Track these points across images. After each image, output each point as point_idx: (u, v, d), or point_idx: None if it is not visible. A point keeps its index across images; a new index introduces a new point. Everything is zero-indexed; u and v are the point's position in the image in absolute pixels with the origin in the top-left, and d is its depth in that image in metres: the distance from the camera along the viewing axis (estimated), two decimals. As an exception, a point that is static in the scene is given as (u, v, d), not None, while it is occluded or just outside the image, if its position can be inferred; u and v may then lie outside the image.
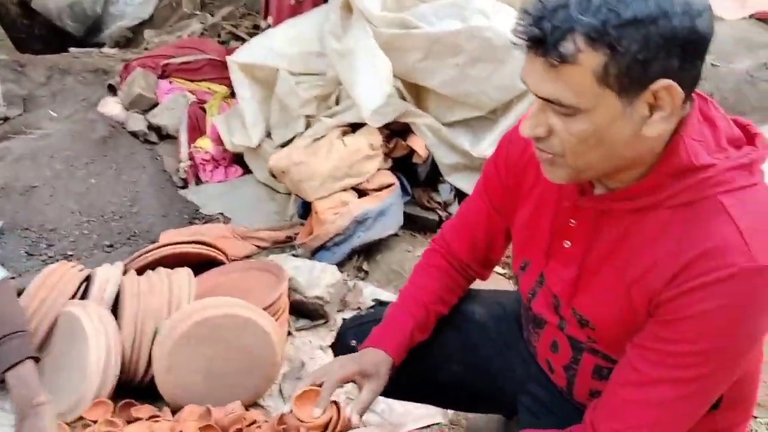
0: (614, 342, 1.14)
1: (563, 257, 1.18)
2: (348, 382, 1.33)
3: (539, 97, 0.97)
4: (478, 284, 1.56)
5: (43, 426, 1.50)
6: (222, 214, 3.05)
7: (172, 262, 2.22)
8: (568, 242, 1.17)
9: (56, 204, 2.90)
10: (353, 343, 1.52)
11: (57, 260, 2.75)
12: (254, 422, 1.67)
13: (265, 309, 2.02)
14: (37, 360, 1.61)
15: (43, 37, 5.66)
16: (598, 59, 0.89)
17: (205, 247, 2.27)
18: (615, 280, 1.09)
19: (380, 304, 1.65)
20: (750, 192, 0.99)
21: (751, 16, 4.40)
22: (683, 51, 0.90)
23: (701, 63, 0.94)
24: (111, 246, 2.86)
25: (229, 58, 3.04)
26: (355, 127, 2.73)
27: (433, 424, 1.96)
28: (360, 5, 2.60)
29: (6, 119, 3.40)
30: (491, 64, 2.54)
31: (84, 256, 2.75)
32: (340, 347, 1.56)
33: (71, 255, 2.76)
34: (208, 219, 3.06)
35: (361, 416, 1.28)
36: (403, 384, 1.51)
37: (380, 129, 2.68)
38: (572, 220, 1.15)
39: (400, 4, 2.66)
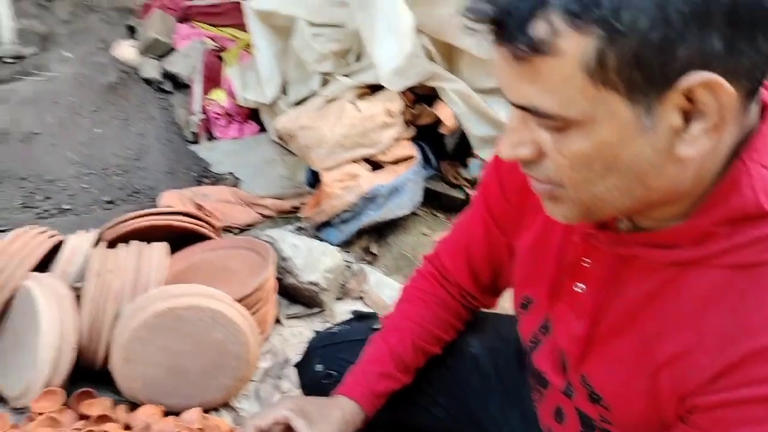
0: (635, 431, 0.83)
1: (575, 303, 0.86)
2: (277, 424, 1.01)
3: (515, 105, 0.66)
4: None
5: None
6: (232, 174, 2.82)
7: (154, 232, 2.00)
8: (582, 285, 0.84)
9: (57, 153, 2.72)
10: (319, 368, 1.24)
11: (53, 214, 2.60)
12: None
13: (244, 298, 1.78)
14: None
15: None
16: (587, 45, 0.58)
17: (190, 219, 2.03)
18: (639, 352, 0.77)
19: (358, 318, 1.35)
20: None
21: None
22: (729, 25, 0.57)
23: (763, 41, 0.59)
24: (111, 202, 2.68)
25: (245, 4, 2.74)
26: (375, 89, 2.42)
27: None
28: (387, -52, 2.25)
29: (20, 58, 3.21)
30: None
31: (81, 211, 2.57)
32: (305, 370, 1.29)
33: (68, 209, 2.59)
34: (218, 178, 2.83)
35: None
36: (379, 426, 1.25)
37: (404, 93, 2.36)
38: (586, 259, 0.83)
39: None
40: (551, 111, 0.62)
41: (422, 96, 2.44)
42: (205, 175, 2.86)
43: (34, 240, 1.85)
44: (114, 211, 2.61)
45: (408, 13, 2.13)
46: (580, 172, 0.65)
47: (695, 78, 0.58)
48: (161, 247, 1.87)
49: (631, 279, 0.77)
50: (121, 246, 1.89)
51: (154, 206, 2.43)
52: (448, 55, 2.42)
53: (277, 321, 2.06)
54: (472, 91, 2.34)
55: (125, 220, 2.01)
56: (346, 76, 2.43)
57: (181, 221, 1.99)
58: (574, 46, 0.58)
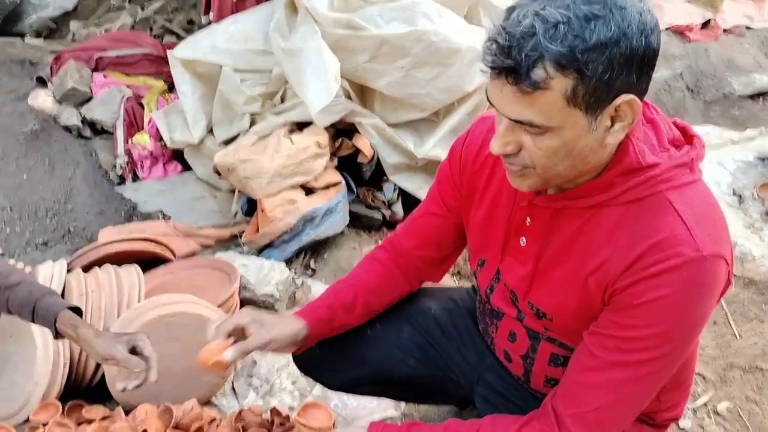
0: (570, 331, 1.21)
1: (519, 254, 1.24)
2: (237, 327, 1.37)
3: (509, 119, 1.00)
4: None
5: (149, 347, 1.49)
6: (161, 212, 2.99)
7: (115, 259, 2.18)
8: (524, 239, 1.23)
9: (-16, 200, 2.78)
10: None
11: (-13, 258, 2.64)
12: (213, 420, 1.67)
13: (220, 305, 2.02)
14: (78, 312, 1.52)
15: (-43, 26, 5.37)
16: (567, 83, 0.94)
17: (153, 244, 2.23)
18: (571, 273, 1.16)
19: None
20: (691, 188, 1.09)
21: (667, 29, 4.69)
22: (640, 66, 0.96)
23: (652, 73, 1.02)
24: (45, 244, 2.77)
25: (170, 53, 2.98)
26: (300, 125, 2.75)
27: (386, 418, 2.01)
28: (307, 4, 2.61)
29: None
30: (436, 67, 2.60)
31: (17, 253, 2.64)
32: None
33: (2, 254, 2.65)
34: (147, 217, 2.99)
35: (235, 359, 1.34)
36: (364, 381, 1.56)
37: (326, 128, 2.71)
38: (528, 219, 1.21)
39: (347, 4, 2.67)
40: (539, 123, 0.98)
41: (341, 131, 2.80)
42: (134, 215, 3.01)
43: (9, 270, 1.98)
44: (49, 252, 2.71)
45: (334, 59, 2.50)
46: (550, 159, 1.03)
47: (623, 98, 0.97)
48: (134, 268, 2.07)
49: (561, 226, 1.17)
50: (95, 269, 2.06)
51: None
52: (363, 95, 2.81)
53: (238, 331, 2.28)
54: (385, 125, 2.74)
55: (90, 249, 2.18)
56: (274, 115, 2.74)
57: (148, 246, 2.19)
58: (560, 84, 0.94)
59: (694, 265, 1.03)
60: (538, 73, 0.93)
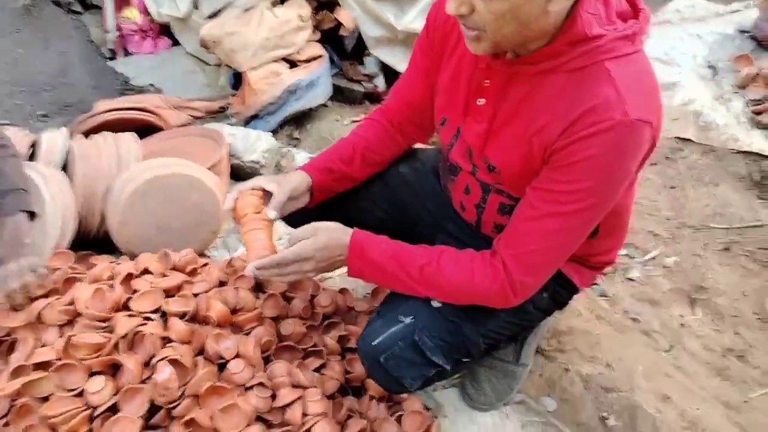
0: (516, 183, 1.39)
1: (477, 114, 1.40)
2: (256, 187, 1.51)
3: None
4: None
5: (31, 262, 1.67)
6: (152, 85, 3.12)
7: (112, 128, 2.34)
8: (482, 100, 1.37)
9: (-16, 74, 2.89)
10: None
11: (-9, 130, 2.80)
12: (206, 264, 1.90)
13: (208, 169, 2.20)
14: (32, 215, 1.72)
15: None
16: None
17: (148, 113, 2.39)
18: (518, 133, 1.31)
19: None
20: (630, 59, 1.21)
21: None
22: None
23: None
24: (46, 116, 2.92)
25: (153, -75, 3.00)
26: (283, -1, 2.82)
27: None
28: None
29: None
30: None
31: (20, 125, 2.80)
32: None
33: (7, 124, 2.80)
34: (140, 90, 3.12)
35: (276, 211, 1.48)
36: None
37: (308, 1, 2.78)
38: (486, 81, 1.35)
39: None
40: None
41: (323, 4, 2.87)
42: (127, 88, 3.14)
43: (16, 136, 2.15)
44: (50, 123, 2.87)
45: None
46: (498, 21, 1.15)
47: None
48: (131, 135, 2.24)
49: (514, 89, 1.32)
50: (93, 136, 2.23)
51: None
52: (344, -33, 2.86)
53: (229, 194, 2.49)
54: (366, -2, 2.82)
55: (88, 117, 2.34)
56: (257, -12, 2.80)
57: (141, 114, 2.34)
58: None
59: (621, 128, 1.16)
60: None
